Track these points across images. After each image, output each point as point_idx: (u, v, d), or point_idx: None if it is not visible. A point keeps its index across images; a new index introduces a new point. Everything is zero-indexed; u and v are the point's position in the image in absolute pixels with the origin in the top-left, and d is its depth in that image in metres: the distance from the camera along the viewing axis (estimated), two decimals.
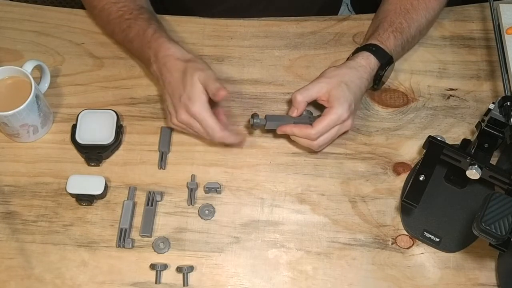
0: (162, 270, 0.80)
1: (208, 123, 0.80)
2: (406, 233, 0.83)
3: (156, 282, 0.79)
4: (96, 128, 0.87)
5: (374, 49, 0.86)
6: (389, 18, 0.90)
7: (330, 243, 0.83)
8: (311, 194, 0.86)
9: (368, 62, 0.86)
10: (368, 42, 0.88)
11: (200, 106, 0.79)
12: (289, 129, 0.83)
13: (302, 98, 0.82)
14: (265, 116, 0.84)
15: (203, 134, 0.82)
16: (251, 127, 0.84)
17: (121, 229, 0.82)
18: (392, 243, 0.83)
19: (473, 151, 0.78)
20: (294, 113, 0.84)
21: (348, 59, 0.90)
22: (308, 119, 0.84)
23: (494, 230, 0.63)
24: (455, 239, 0.82)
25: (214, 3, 1.04)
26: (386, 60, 0.87)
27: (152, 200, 0.84)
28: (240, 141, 0.86)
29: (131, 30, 0.88)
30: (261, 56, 0.97)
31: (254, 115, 0.83)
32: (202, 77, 0.80)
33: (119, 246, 0.81)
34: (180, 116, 0.81)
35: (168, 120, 0.85)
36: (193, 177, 0.86)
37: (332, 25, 1.00)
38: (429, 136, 0.79)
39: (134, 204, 0.84)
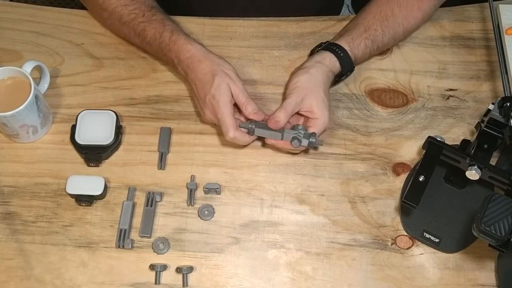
0: (162, 271, 0.80)
1: (225, 123, 0.81)
2: (405, 233, 0.83)
3: (155, 283, 0.79)
4: (96, 129, 0.87)
5: (342, 54, 0.87)
6: (367, 22, 0.90)
7: (330, 244, 0.83)
8: (310, 195, 0.86)
9: (332, 66, 0.87)
10: (340, 42, 0.88)
11: (222, 105, 0.81)
12: (280, 145, 0.84)
13: (285, 119, 0.82)
14: (255, 124, 0.83)
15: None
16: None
17: (121, 230, 0.82)
18: (392, 244, 0.83)
19: (472, 151, 0.78)
20: (274, 126, 0.83)
21: (314, 53, 0.91)
22: (297, 133, 0.83)
23: (493, 231, 0.63)
24: (455, 240, 0.82)
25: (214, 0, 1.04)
26: (348, 69, 0.89)
27: (151, 201, 0.84)
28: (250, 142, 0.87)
29: (146, 33, 0.88)
30: (261, 57, 0.97)
31: (250, 121, 0.83)
32: (233, 88, 0.83)
33: (119, 247, 0.81)
34: (206, 115, 0.84)
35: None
36: (192, 177, 0.86)
37: (332, 25, 1.00)
38: (429, 137, 0.78)
39: (134, 205, 0.84)
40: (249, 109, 0.83)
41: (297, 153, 0.88)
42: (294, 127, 0.84)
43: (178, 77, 0.94)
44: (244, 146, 0.89)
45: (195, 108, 0.92)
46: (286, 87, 0.87)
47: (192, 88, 0.86)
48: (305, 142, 0.82)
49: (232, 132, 0.81)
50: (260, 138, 0.86)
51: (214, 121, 0.85)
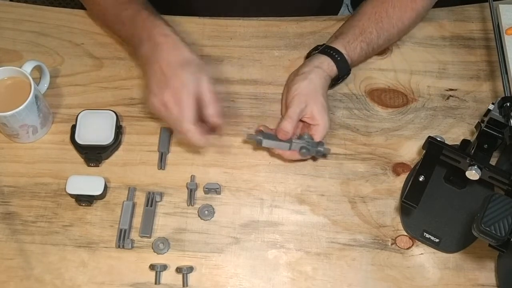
0: (162, 271, 0.80)
1: (183, 110, 0.76)
2: (405, 233, 0.83)
3: (155, 283, 0.79)
4: (96, 129, 0.87)
5: (339, 58, 0.87)
6: (362, 24, 0.90)
7: (330, 244, 0.83)
8: (310, 195, 0.86)
9: (329, 70, 0.87)
10: (336, 46, 0.88)
11: (187, 95, 0.76)
12: (288, 155, 0.84)
13: (292, 128, 0.82)
14: (262, 135, 0.82)
15: (173, 122, 0.78)
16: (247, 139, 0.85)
17: (121, 230, 0.82)
18: (392, 244, 0.83)
19: (472, 151, 0.78)
20: (283, 137, 0.82)
21: (310, 55, 0.90)
22: (305, 142, 0.83)
23: (493, 231, 0.63)
24: (455, 240, 0.82)
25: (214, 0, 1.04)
26: (344, 73, 0.89)
27: (151, 201, 0.84)
28: (204, 145, 0.81)
29: (124, 13, 0.86)
30: (261, 56, 0.97)
31: (258, 132, 0.83)
32: (204, 85, 0.79)
33: (119, 247, 0.81)
34: (164, 97, 0.77)
35: (147, 98, 0.80)
36: (192, 177, 0.86)
37: (332, 25, 1.00)
38: (429, 137, 0.78)
39: (134, 205, 0.84)
40: (211, 111, 0.79)
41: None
42: (300, 137, 0.84)
43: None
44: (243, 146, 0.89)
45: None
46: (287, 91, 0.86)
47: (153, 68, 0.79)
48: (313, 151, 0.83)
49: (187, 124, 0.76)
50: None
51: (168, 107, 0.77)
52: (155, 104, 0.79)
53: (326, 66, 0.87)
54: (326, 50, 0.88)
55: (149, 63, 0.81)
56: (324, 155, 0.87)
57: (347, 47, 0.88)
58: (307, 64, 0.88)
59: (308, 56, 0.94)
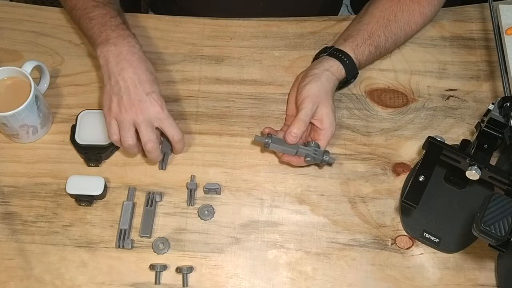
0: (162, 271, 0.80)
1: (172, 124, 0.82)
2: (405, 233, 0.83)
3: (155, 283, 0.79)
4: (96, 129, 0.87)
5: (347, 62, 0.87)
6: (370, 27, 0.90)
7: (330, 244, 0.83)
8: (310, 195, 0.86)
9: (338, 74, 0.87)
10: (345, 49, 0.88)
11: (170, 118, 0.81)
12: (295, 161, 0.84)
13: (301, 133, 0.82)
14: (271, 138, 0.82)
15: (127, 143, 0.81)
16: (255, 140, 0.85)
17: (121, 230, 0.82)
18: (392, 244, 0.83)
19: (472, 151, 0.78)
20: (292, 140, 0.82)
21: (319, 58, 0.89)
22: (312, 150, 0.83)
23: (493, 231, 0.63)
24: (455, 240, 0.82)
25: (213, 0, 1.04)
26: (352, 76, 0.89)
27: (151, 201, 0.84)
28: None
29: (95, 10, 0.85)
30: (261, 57, 0.97)
31: (267, 135, 0.82)
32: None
33: (119, 247, 0.81)
34: (130, 115, 0.79)
35: (107, 107, 0.81)
36: (192, 177, 0.86)
37: (332, 26, 1.00)
38: (429, 137, 0.78)
39: (134, 205, 0.84)
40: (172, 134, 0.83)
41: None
42: (307, 144, 0.84)
43: (178, 77, 0.94)
44: (243, 146, 0.89)
45: (196, 109, 0.92)
46: (297, 93, 0.85)
47: (122, 77, 0.80)
48: (318, 160, 0.83)
49: (180, 133, 0.83)
50: None
51: (132, 123, 0.80)
52: (115, 115, 0.80)
53: (335, 69, 0.86)
54: (335, 53, 0.88)
55: (112, 67, 0.81)
56: (329, 164, 0.87)
57: (356, 50, 0.88)
58: (316, 66, 0.87)
59: (316, 58, 0.93)
